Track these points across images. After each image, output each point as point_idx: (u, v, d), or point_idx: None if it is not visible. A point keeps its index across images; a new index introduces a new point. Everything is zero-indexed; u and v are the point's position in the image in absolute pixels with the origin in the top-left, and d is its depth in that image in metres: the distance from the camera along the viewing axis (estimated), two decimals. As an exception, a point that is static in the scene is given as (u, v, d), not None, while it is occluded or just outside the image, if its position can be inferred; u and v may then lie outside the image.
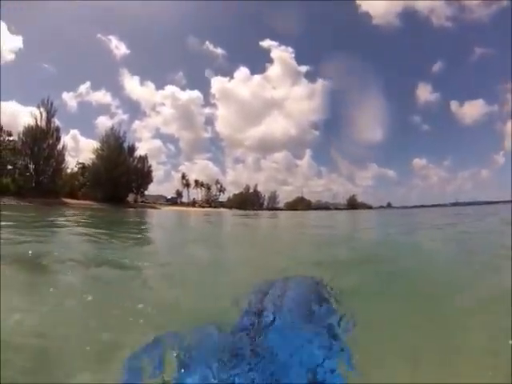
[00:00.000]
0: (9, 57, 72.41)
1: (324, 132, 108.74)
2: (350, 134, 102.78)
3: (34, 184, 45.32)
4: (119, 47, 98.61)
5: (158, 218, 30.55)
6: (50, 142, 48.48)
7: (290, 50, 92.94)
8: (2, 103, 64.32)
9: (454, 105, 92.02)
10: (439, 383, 2.08)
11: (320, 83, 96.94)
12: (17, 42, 72.68)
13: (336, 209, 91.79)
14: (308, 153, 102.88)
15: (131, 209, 47.56)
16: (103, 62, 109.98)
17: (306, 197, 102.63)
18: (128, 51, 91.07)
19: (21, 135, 47.03)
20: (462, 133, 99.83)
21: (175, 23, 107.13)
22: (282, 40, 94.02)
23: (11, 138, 47.30)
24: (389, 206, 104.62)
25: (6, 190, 42.00)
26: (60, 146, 49.85)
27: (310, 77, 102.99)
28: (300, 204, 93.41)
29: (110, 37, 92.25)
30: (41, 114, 48.06)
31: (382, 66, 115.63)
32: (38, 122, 47.82)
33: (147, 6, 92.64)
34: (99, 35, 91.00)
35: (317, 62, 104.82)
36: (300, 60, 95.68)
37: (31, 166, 47.00)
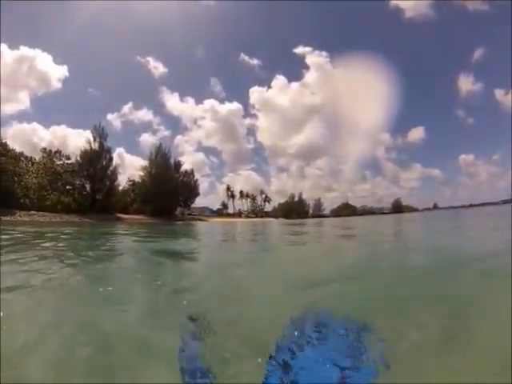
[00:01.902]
0: (56, 85, 79.07)
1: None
2: (391, 135, 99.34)
3: (91, 202, 48.70)
4: (157, 67, 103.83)
5: (220, 229, 32.14)
6: (104, 162, 52.29)
7: (325, 53, 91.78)
8: (54, 128, 70.26)
9: (498, 93, 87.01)
10: None
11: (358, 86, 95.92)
12: (62, 71, 78.96)
13: (381, 213, 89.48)
14: (351, 157, 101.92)
15: (180, 222, 49.46)
16: (143, 82, 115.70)
17: (351, 202, 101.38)
18: (165, 70, 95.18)
19: (77, 158, 51.34)
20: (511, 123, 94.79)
21: (208, 38, 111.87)
22: (316, 45, 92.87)
23: (69, 162, 51.55)
24: (435, 207, 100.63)
25: (68, 208, 45.57)
26: (112, 166, 53.74)
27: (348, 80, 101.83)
28: (345, 210, 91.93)
29: (148, 58, 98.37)
30: (94, 138, 52.32)
31: (419, 60, 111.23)
32: (92, 146, 52.00)
33: (180, 24, 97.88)
34: (138, 57, 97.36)
35: (351, 63, 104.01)
36: (336, 63, 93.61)
37: (88, 186, 50.77)
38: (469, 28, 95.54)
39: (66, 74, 78.65)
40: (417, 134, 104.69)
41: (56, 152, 51.69)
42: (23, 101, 75.46)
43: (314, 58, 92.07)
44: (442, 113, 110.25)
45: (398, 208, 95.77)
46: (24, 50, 72.16)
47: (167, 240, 15.99)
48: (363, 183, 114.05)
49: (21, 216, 40.10)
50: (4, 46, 67.70)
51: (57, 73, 78.34)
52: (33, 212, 42.31)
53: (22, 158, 49.92)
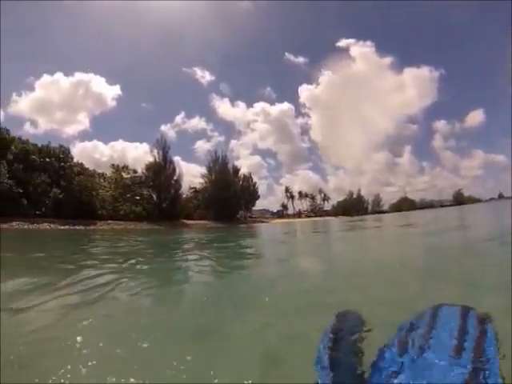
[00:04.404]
0: (111, 104, 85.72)
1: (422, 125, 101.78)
2: (447, 121, 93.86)
3: (158, 210, 52.26)
4: (204, 75, 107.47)
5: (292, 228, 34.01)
6: (168, 173, 55.97)
7: (369, 43, 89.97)
8: (112, 143, 76.18)
9: None
10: None
11: (407, 73, 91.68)
12: (115, 90, 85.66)
13: (442, 206, 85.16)
14: (407, 149, 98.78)
15: (243, 225, 51.49)
16: (193, 92, 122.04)
17: (410, 196, 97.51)
18: (213, 77, 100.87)
19: (143, 171, 55.61)
20: None
21: (250, 41, 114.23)
22: (359, 35, 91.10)
23: (136, 175, 55.81)
24: (500, 197, 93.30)
25: (139, 216, 49.35)
26: (176, 176, 57.52)
27: (396, 68, 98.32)
28: (404, 204, 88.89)
29: (195, 68, 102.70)
30: (157, 150, 56.35)
31: (469, 38, 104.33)
32: (156, 159, 55.99)
33: (220, 30, 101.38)
34: (184, 69, 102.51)
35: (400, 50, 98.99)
36: (382, 52, 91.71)
37: (154, 196, 54.49)
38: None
39: (119, 92, 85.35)
40: (476, 117, 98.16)
41: (123, 167, 56.23)
42: (83, 121, 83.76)
43: (359, 49, 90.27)
44: (502, 91, 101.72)
45: (459, 200, 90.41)
46: (78, 76, 79.55)
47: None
48: (421, 175, 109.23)
49: (101, 225, 44.20)
50: (60, 74, 75.61)
51: (110, 92, 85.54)
52: (110, 221, 46.34)
53: (95, 175, 54.86)
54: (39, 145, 49.78)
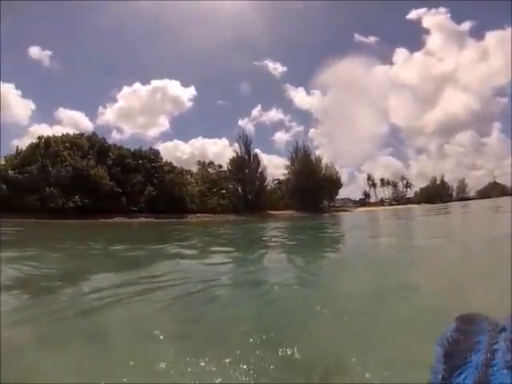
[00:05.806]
0: (188, 104, 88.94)
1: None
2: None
3: (244, 202, 52.29)
4: (276, 67, 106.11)
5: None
6: (252, 166, 56.09)
7: (443, 10, 78.27)
8: (192, 141, 78.82)
9: None
10: None
11: (490, 37, 78.38)
12: (191, 91, 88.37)
13: None
14: (496, 126, 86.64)
15: (326, 214, 48.79)
16: (267, 84, 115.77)
17: (500, 180, 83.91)
18: (285, 68, 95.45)
19: (228, 166, 56.42)
20: None
21: (319, 27, 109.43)
22: (430, 3, 78.41)
23: (221, 170, 56.92)
24: None
25: (226, 208, 49.79)
26: (261, 168, 57.50)
27: (476, 33, 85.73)
28: (493, 190, 76.82)
29: (265, 61, 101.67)
30: (239, 145, 56.66)
31: None
32: (239, 153, 56.26)
33: (287, 19, 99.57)
34: (255, 63, 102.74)
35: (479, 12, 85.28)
36: (458, 18, 79.98)
37: (239, 189, 54.88)
38: None
39: (194, 93, 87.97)
40: None
41: (209, 163, 57.82)
42: (163, 124, 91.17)
43: (432, 19, 79.02)
44: None
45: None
46: (155, 83, 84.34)
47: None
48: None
49: (191, 218, 45.34)
50: (138, 84, 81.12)
51: (186, 94, 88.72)
52: (199, 214, 47.41)
53: (183, 172, 57.16)
54: (132, 149, 53.40)
